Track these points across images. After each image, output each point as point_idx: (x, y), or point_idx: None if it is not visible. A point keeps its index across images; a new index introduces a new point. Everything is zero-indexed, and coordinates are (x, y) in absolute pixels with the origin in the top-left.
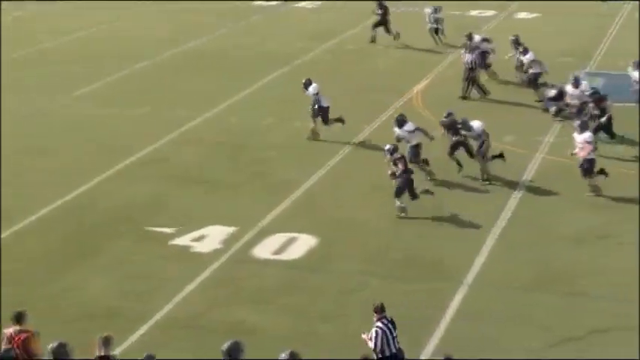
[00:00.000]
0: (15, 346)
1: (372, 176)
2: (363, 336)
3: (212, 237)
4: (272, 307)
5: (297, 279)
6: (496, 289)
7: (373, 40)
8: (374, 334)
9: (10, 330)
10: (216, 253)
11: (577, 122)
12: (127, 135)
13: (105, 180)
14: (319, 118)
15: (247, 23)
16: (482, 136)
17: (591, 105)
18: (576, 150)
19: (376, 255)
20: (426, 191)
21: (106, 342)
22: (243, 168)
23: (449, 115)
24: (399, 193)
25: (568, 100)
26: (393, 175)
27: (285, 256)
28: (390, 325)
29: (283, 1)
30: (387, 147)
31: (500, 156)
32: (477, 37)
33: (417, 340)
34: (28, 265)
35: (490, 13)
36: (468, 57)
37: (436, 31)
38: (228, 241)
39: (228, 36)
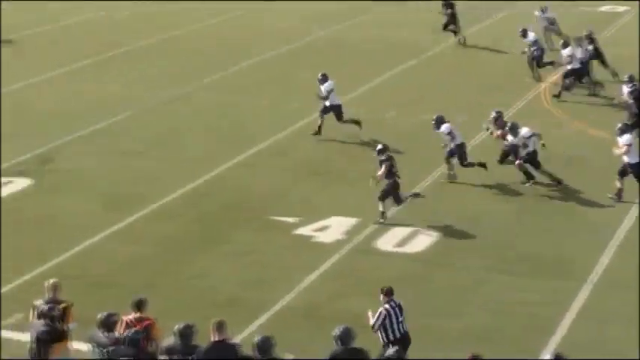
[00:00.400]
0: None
1: (495, 171)
2: (368, 313)
3: (335, 228)
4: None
5: (418, 272)
6: (621, 289)
7: (461, 42)
8: (379, 315)
9: (129, 317)
10: (338, 244)
11: (619, 124)
12: (251, 125)
13: (229, 169)
14: (329, 115)
15: (374, 15)
16: (530, 144)
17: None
18: (619, 151)
19: (498, 250)
20: (416, 195)
21: (220, 327)
22: (366, 160)
23: (498, 114)
24: (383, 197)
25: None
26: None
27: (407, 249)
28: (396, 309)
29: None
30: (378, 147)
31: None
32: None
33: (538, 339)
34: (154, 250)
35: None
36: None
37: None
38: (351, 233)
39: (356, 27)
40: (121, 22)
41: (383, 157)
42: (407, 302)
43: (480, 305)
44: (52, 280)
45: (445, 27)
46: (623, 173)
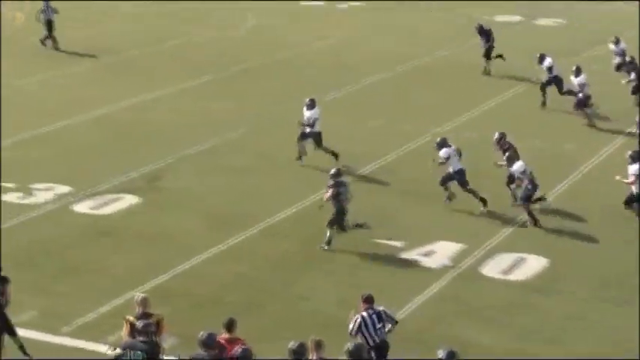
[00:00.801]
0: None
1: (611, 196)
2: (350, 315)
3: (441, 253)
4: (497, 327)
5: (524, 300)
6: None
7: (487, 73)
8: (355, 322)
9: (221, 338)
10: (443, 269)
11: (629, 152)
12: (361, 145)
13: None
14: (308, 142)
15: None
16: (523, 178)
17: None
18: (629, 180)
19: (611, 280)
20: (360, 225)
21: (318, 346)
22: (472, 184)
23: (501, 136)
24: (331, 223)
25: None
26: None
27: (514, 276)
28: (374, 317)
29: (524, 18)
30: (331, 171)
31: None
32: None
33: None
34: (258, 270)
35: None
36: None
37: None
38: (457, 258)
39: (467, 50)
40: (239, 40)
41: (331, 182)
42: (511, 330)
43: (584, 333)
44: (141, 295)
45: (487, 56)
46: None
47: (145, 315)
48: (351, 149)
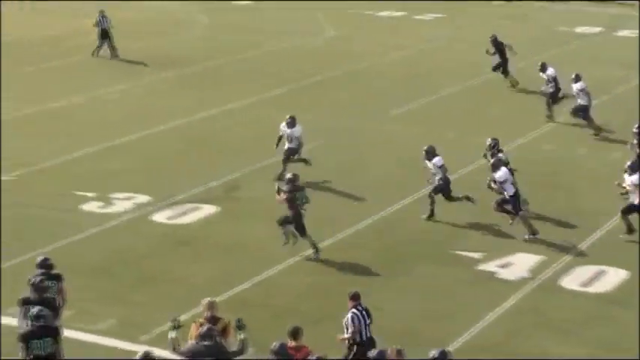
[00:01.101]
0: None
1: None
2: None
3: (519, 264)
4: (576, 340)
5: (605, 312)
6: None
7: (513, 85)
8: (349, 319)
9: (289, 344)
10: (522, 281)
11: (628, 163)
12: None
13: (416, 200)
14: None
15: (567, 49)
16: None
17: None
18: (627, 189)
19: None
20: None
21: (399, 354)
22: (552, 197)
23: (494, 142)
24: (282, 222)
25: None
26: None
27: (594, 288)
28: (364, 313)
29: (604, 29)
30: (287, 176)
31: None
32: None
33: None
34: (335, 281)
35: None
36: None
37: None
38: (536, 270)
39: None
40: (316, 51)
41: (285, 188)
42: (592, 343)
43: None
44: (208, 299)
45: (496, 69)
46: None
47: (212, 319)
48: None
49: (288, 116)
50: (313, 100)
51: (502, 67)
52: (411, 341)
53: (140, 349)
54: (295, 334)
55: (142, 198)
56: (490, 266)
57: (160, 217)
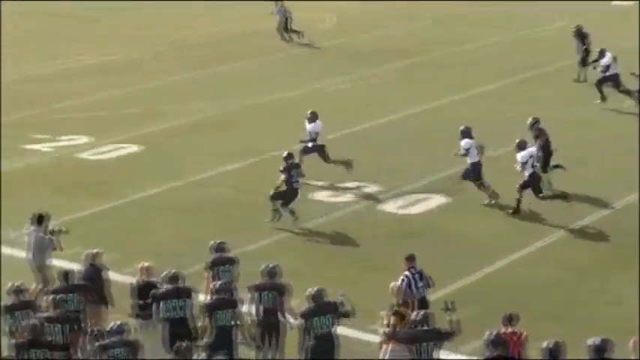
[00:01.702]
0: (512, 345)
1: None
2: (391, 285)
3: None
4: None
5: None
6: None
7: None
8: (400, 281)
9: (503, 330)
10: None
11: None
12: None
13: None
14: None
15: None
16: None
17: None
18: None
19: None
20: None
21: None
22: None
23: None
24: (274, 197)
25: None
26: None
27: None
28: (417, 275)
29: None
30: (284, 154)
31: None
32: None
33: None
34: (567, 274)
35: None
36: None
37: None
38: None
39: None
40: (543, 41)
41: (281, 167)
42: None
43: None
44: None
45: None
46: None
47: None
48: None
49: (308, 112)
50: (534, 92)
51: (583, 58)
52: None
53: (369, 338)
54: (511, 319)
55: (372, 187)
56: None
57: (390, 207)
